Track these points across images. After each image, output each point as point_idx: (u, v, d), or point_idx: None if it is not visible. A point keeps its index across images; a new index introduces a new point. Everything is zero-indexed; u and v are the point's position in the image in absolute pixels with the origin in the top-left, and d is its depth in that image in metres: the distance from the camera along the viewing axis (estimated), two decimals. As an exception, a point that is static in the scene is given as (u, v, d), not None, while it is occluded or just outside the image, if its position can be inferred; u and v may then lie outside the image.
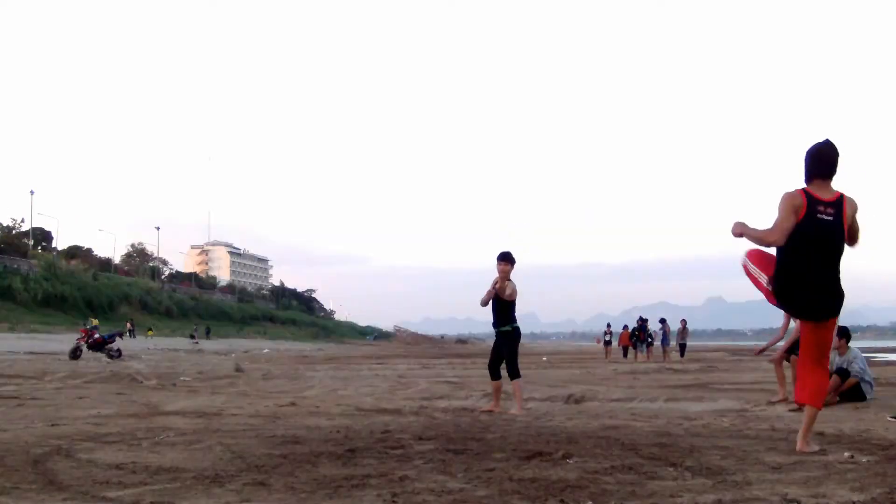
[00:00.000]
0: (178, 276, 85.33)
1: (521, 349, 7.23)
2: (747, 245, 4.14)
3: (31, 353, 21.09)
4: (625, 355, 25.04)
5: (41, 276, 49.05)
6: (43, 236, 64.93)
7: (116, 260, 76.65)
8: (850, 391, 7.07)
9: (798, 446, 4.13)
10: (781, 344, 7.83)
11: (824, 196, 3.91)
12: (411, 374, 13.62)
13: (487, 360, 7.16)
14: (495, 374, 6.99)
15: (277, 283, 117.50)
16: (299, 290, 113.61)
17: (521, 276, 6.89)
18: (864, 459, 3.87)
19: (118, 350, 18.99)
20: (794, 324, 6.48)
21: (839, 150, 3.98)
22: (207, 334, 49.74)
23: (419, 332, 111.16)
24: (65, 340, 25.80)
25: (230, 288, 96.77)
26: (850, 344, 7.44)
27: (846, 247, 3.98)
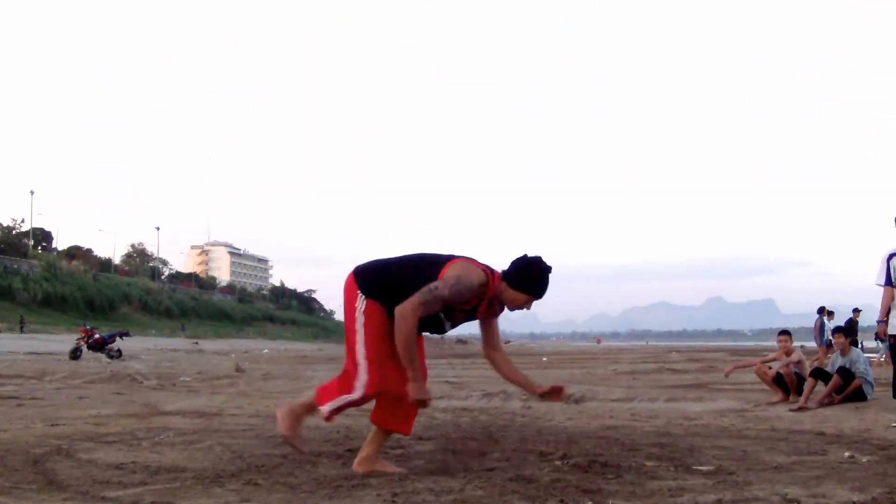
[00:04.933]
0: (178, 277, 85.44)
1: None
2: None
3: (31, 353, 21.08)
4: None
5: (41, 277, 49.15)
6: (43, 236, 64.98)
7: (116, 260, 76.91)
8: (852, 391, 7.07)
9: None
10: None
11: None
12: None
13: None
14: None
15: (277, 283, 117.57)
16: (299, 290, 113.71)
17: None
18: (864, 459, 3.87)
19: (118, 350, 18.99)
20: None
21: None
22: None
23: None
24: (65, 340, 25.80)
25: (230, 288, 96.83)
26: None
27: None
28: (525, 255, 3.53)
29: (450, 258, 3.50)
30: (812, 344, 17.86)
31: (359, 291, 3.45)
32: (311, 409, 3.62)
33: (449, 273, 3.36)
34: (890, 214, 6.70)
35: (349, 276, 3.53)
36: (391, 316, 3.32)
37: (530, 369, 15.89)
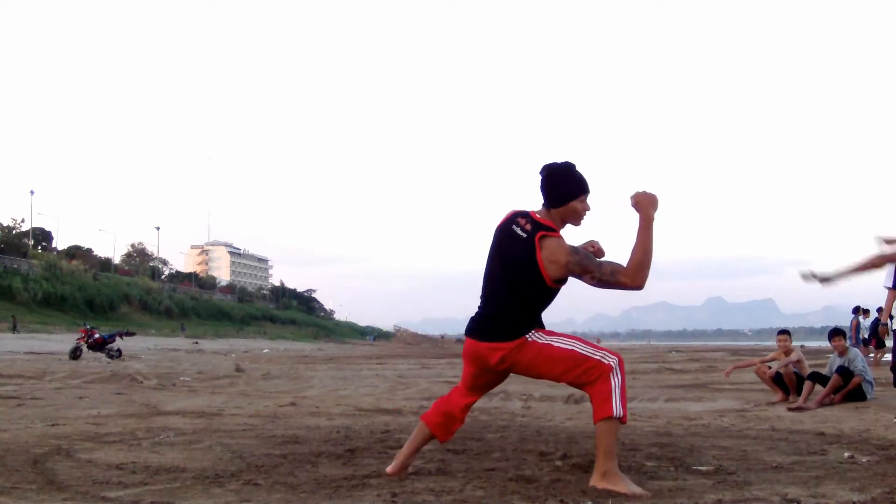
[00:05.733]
0: (178, 276, 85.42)
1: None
2: None
3: (31, 353, 21.07)
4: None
5: (41, 276, 49.10)
6: (43, 236, 64.96)
7: (116, 260, 76.92)
8: (851, 391, 7.08)
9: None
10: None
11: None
12: (411, 374, 13.61)
13: None
14: None
15: (277, 283, 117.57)
16: (299, 290, 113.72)
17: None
18: (864, 459, 3.87)
19: (118, 350, 18.98)
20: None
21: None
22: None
23: (419, 332, 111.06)
24: (65, 340, 25.81)
25: (230, 288, 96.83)
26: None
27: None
28: (541, 172, 3.29)
29: (529, 242, 3.17)
30: (810, 343, 17.95)
31: (524, 337, 3.19)
32: (422, 443, 3.48)
33: (563, 256, 3.14)
34: (890, 215, 6.73)
35: (491, 346, 3.21)
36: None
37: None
